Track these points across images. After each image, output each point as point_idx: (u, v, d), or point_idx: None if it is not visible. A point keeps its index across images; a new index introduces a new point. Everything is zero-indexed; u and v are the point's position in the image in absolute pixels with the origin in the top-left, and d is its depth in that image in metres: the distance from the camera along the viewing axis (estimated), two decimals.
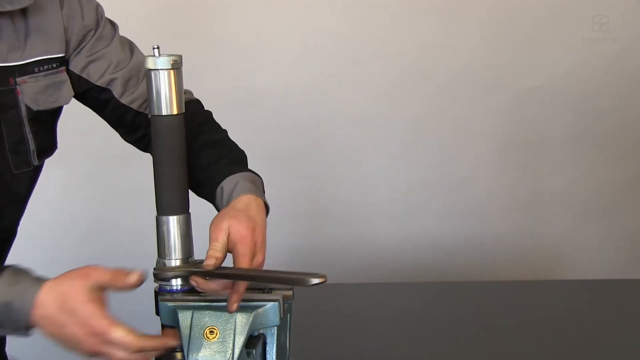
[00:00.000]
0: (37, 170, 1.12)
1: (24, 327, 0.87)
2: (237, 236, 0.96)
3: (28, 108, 1.05)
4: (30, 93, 1.05)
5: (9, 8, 1.00)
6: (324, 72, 2.39)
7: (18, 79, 1.03)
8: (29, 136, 1.06)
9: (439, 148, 2.46)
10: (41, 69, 1.06)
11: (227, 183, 1.05)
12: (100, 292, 0.87)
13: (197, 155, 1.08)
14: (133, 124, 1.18)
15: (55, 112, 1.12)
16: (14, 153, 1.05)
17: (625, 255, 2.54)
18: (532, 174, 2.50)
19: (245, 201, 1.03)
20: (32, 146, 1.07)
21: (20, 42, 1.04)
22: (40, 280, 0.87)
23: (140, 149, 1.23)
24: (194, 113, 1.12)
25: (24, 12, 1.03)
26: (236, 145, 1.18)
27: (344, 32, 2.38)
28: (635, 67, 2.45)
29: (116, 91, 1.14)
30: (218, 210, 1.05)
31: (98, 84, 1.13)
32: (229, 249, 0.96)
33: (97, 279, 0.86)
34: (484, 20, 2.40)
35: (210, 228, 0.97)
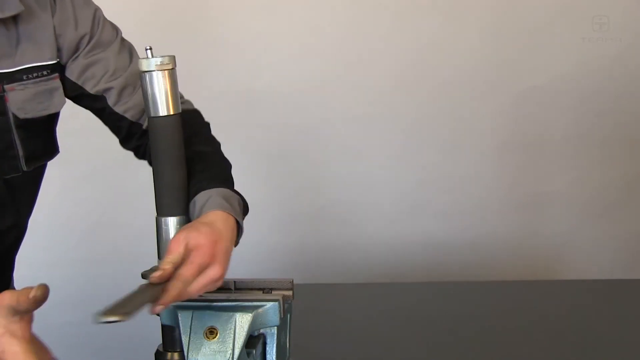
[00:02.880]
0: (31, 175, 1.11)
1: None
2: (193, 245, 0.89)
3: (15, 116, 1.04)
4: (18, 101, 1.04)
5: (0, 16, 1.00)
6: (324, 72, 2.39)
7: (6, 87, 1.03)
8: (17, 142, 1.06)
9: (439, 148, 2.46)
10: (30, 76, 1.05)
11: (200, 198, 0.99)
12: (10, 318, 0.79)
13: None
14: (128, 133, 1.17)
15: (47, 120, 1.11)
16: (3, 159, 1.05)
17: (625, 255, 2.55)
18: (532, 174, 2.50)
19: (213, 217, 0.95)
20: (20, 152, 1.07)
21: (12, 50, 1.04)
22: None
23: (137, 157, 1.22)
24: (187, 124, 1.07)
25: (14, 19, 1.03)
26: (223, 160, 1.13)
27: (344, 32, 2.38)
28: (635, 67, 2.45)
29: (110, 100, 1.13)
30: None
31: (92, 92, 1.13)
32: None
33: (3, 304, 0.79)
34: (484, 20, 2.40)
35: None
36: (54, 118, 1.13)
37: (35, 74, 1.06)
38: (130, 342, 2.38)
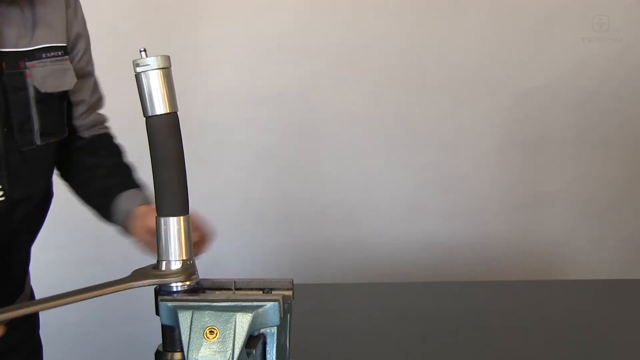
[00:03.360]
0: (44, 150, 1.17)
1: None
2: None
3: (36, 90, 1.12)
4: (39, 77, 1.12)
5: None
6: (324, 72, 2.39)
7: (28, 64, 1.11)
8: (35, 117, 1.13)
9: (439, 148, 2.46)
10: (47, 55, 1.14)
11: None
12: None
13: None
14: (65, 144, 1.26)
15: (61, 97, 1.19)
16: (20, 132, 1.12)
17: (625, 255, 2.55)
18: (532, 174, 2.50)
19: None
20: (35, 126, 1.13)
21: (28, 30, 1.12)
22: None
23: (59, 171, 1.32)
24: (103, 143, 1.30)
25: (31, 3, 1.13)
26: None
27: (343, 32, 2.38)
28: (636, 67, 2.46)
29: (78, 111, 1.27)
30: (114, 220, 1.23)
31: (72, 99, 1.25)
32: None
33: None
34: (484, 20, 2.40)
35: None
36: (65, 97, 1.21)
37: (51, 54, 1.15)
38: (130, 342, 2.38)
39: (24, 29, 1.11)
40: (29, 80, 1.11)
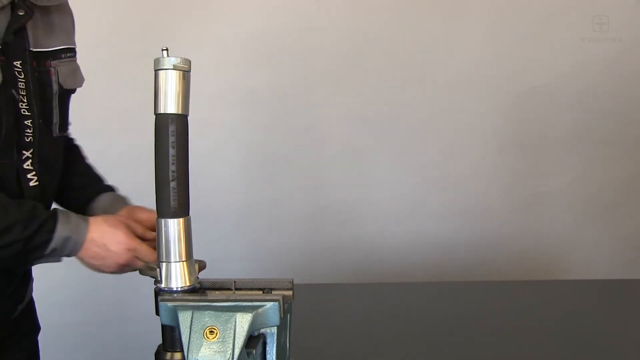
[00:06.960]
0: (60, 141, 1.29)
1: (71, 255, 1.13)
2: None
3: (60, 86, 1.25)
4: (63, 74, 1.25)
5: (46, 3, 1.22)
6: (324, 72, 2.39)
7: (52, 62, 1.24)
8: (55, 110, 1.25)
9: (439, 148, 2.46)
10: (66, 55, 1.27)
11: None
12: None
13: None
14: None
15: (71, 94, 1.31)
16: (43, 124, 1.22)
17: (625, 255, 2.55)
18: (532, 174, 2.50)
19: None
20: (54, 119, 1.25)
21: (47, 34, 1.24)
22: (85, 219, 1.14)
23: None
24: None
25: (48, 10, 1.24)
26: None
27: (343, 32, 2.38)
28: (635, 67, 2.46)
29: None
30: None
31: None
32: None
33: (134, 229, 1.17)
34: (485, 20, 2.40)
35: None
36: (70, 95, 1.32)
37: (68, 54, 1.28)
38: (130, 342, 2.38)
39: (46, 32, 1.23)
40: (53, 77, 1.23)
